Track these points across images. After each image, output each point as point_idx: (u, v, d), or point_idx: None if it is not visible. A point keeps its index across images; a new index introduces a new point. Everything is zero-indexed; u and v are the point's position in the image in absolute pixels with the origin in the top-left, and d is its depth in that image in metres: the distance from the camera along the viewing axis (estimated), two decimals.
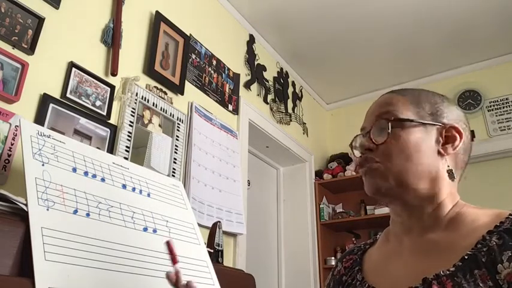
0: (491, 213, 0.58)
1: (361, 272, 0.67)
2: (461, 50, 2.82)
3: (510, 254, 0.50)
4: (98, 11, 1.57)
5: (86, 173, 0.99)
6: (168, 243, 0.76)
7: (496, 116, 2.80)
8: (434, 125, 0.64)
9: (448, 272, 0.52)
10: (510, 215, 0.56)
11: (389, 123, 0.64)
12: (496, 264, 0.50)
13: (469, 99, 2.86)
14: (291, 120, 2.89)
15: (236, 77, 2.36)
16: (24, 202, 0.81)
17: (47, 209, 0.82)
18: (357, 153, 0.67)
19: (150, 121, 1.66)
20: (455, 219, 0.60)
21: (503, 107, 2.80)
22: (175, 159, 1.73)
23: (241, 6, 2.46)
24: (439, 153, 0.63)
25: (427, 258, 0.58)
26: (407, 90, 0.69)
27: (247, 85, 2.46)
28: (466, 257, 0.53)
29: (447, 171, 0.62)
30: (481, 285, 0.50)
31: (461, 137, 0.63)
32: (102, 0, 1.60)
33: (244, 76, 2.46)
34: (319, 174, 3.09)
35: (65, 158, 0.96)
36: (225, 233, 1.86)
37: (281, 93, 2.84)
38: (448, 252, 0.56)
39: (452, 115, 0.65)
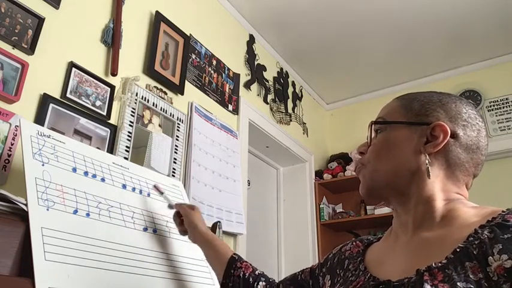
0: (485, 212, 0.59)
1: (363, 263, 0.70)
2: (461, 50, 2.82)
3: (501, 246, 0.50)
4: (98, 11, 1.57)
5: (86, 173, 0.99)
6: (155, 187, 1.13)
7: (496, 116, 2.80)
8: (418, 124, 0.65)
9: (439, 265, 0.53)
10: (503, 211, 0.57)
11: (373, 127, 0.69)
12: (487, 257, 0.51)
13: (469, 99, 2.86)
14: (291, 120, 2.89)
15: (236, 77, 2.36)
16: (24, 202, 0.81)
17: (47, 209, 0.82)
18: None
19: (150, 121, 1.66)
20: (448, 217, 0.61)
21: (503, 107, 2.80)
22: (175, 159, 1.73)
23: (241, 6, 2.46)
24: (420, 151, 0.63)
25: (421, 254, 0.59)
26: (406, 95, 0.72)
27: (247, 85, 2.46)
28: (457, 250, 0.54)
29: (426, 169, 0.62)
30: (471, 277, 0.50)
31: (445, 135, 0.62)
32: (102, 0, 1.60)
33: (244, 76, 2.46)
34: (319, 174, 3.09)
35: (65, 158, 0.96)
36: (225, 233, 1.86)
37: (281, 93, 2.84)
38: (441, 246, 0.57)
39: (448, 113, 0.65)
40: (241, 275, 0.89)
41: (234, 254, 0.94)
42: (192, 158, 1.82)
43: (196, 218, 1.01)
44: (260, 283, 0.88)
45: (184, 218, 1.02)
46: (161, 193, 1.12)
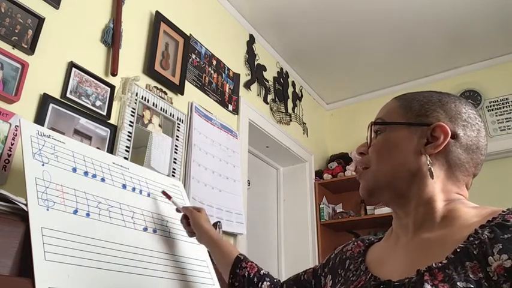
0: (485, 212, 0.59)
1: (364, 263, 0.70)
2: (461, 50, 2.82)
3: (501, 246, 0.50)
4: (98, 11, 1.57)
5: (86, 173, 0.99)
6: (163, 192, 1.15)
7: (496, 116, 2.80)
8: (418, 125, 0.65)
9: (440, 265, 0.53)
10: (503, 211, 0.57)
11: (372, 127, 0.69)
12: (487, 257, 0.51)
13: (469, 99, 2.86)
14: (291, 120, 2.89)
15: (236, 77, 2.36)
16: (24, 202, 0.81)
17: (47, 209, 0.82)
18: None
19: (150, 121, 1.66)
20: (449, 217, 0.61)
21: (503, 107, 2.80)
22: (175, 159, 1.73)
23: (241, 6, 2.46)
24: (420, 152, 0.63)
25: (421, 254, 0.59)
26: (405, 95, 0.71)
27: (247, 85, 2.46)
28: (458, 250, 0.54)
29: (428, 169, 0.62)
30: (471, 276, 0.50)
31: (445, 136, 0.62)
32: (102, 0, 1.60)
33: (244, 76, 2.46)
34: (319, 174, 3.09)
35: (65, 158, 0.96)
36: (225, 233, 1.86)
37: (281, 93, 2.84)
38: (441, 246, 0.57)
39: (448, 113, 0.65)
40: (246, 274, 0.90)
41: (240, 254, 0.95)
42: (192, 158, 1.82)
43: (203, 219, 1.03)
44: (264, 283, 0.89)
45: (190, 220, 1.04)
46: (169, 198, 1.14)
